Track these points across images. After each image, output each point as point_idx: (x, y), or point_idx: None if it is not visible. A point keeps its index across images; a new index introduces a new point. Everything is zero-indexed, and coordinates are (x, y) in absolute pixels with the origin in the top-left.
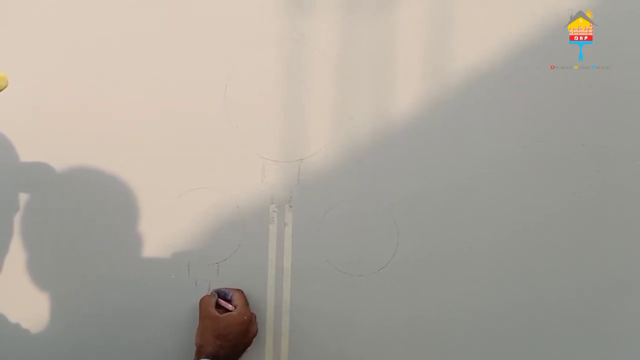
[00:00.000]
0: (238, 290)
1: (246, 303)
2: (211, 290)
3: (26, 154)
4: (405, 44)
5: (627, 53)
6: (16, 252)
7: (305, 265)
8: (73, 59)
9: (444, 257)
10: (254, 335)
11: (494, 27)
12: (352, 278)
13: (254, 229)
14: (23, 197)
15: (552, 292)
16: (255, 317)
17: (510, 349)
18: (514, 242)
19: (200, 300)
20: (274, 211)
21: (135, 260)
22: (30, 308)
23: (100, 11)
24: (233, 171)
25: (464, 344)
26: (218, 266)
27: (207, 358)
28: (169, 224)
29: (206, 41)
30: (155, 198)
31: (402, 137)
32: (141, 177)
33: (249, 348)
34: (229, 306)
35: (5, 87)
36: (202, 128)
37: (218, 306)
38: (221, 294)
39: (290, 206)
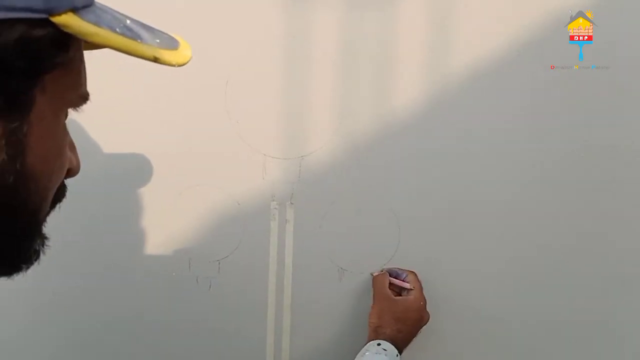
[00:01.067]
0: (412, 271)
1: (421, 287)
2: (380, 270)
3: None
4: (406, 43)
5: (627, 53)
6: None
7: (307, 262)
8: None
9: (446, 254)
10: (426, 323)
11: (494, 26)
12: (353, 275)
13: (255, 226)
14: None
15: (554, 290)
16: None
17: (512, 346)
18: (515, 240)
19: (374, 279)
20: (275, 208)
21: (135, 257)
22: (29, 304)
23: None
24: (234, 168)
25: (465, 341)
26: (219, 263)
27: (386, 340)
28: (170, 221)
29: (207, 37)
30: (156, 195)
31: (403, 133)
32: (141, 174)
33: (251, 347)
34: (406, 284)
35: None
36: (202, 125)
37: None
38: (393, 274)
39: (292, 203)
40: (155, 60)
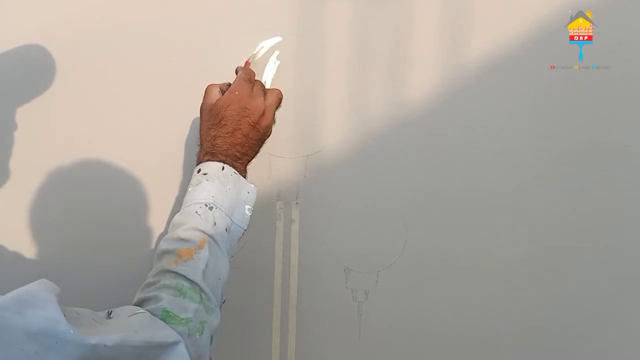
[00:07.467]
0: (244, 68)
1: (246, 78)
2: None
3: (26, 151)
4: (408, 44)
5: (627, 53)
6: (19, 246)
7: (312, 262)
8: (82, 53)
9: (452, 254)
10: (262, 114)
11: (493, 27)
12: (359, 275)
13: (261, 226)
14: (21, 196)
15: (561, 289)
16: (269, 91)
17: (517, 346)
18: (522, 239)
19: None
20: (281, 208)
21: (140, 259)
22: None
23: (104, 9)
24: None
25: (471, 340)
26: None
27: (206, 155)
28: None
29: (211, 36)
30: (161, 195)
31: (410, 132)
32: (146, 176)
33: (257, 348)
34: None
35: None
36: None
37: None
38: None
39: (297, 203)
40: None
